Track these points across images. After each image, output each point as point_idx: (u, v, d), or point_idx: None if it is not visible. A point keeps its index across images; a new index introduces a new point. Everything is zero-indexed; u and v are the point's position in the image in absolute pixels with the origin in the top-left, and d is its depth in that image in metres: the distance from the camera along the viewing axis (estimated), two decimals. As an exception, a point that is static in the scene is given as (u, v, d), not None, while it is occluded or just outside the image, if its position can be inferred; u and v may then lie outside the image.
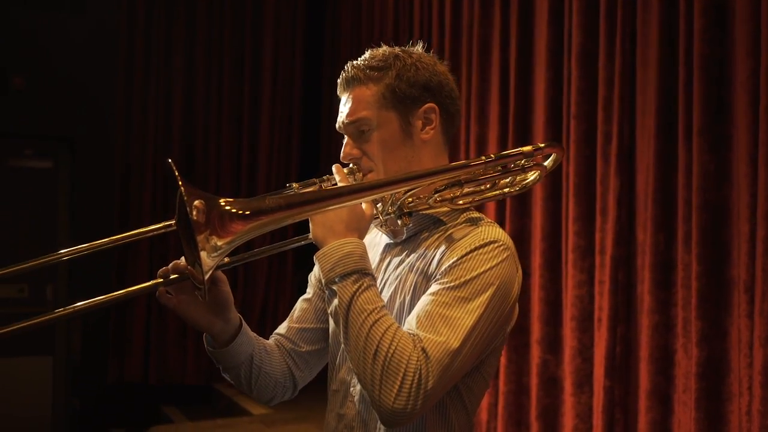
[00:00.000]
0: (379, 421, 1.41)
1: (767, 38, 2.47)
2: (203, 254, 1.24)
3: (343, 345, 1.37)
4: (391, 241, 1.57)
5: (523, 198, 3.57)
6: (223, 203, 1.28)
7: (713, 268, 2.66)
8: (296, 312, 1.70)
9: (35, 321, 1.34)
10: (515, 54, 3.65)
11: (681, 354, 2.78)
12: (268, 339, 1.68)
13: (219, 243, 1.26)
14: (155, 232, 1.45)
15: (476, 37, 3.91)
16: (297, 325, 1.67)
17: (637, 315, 3.00)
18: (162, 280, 1.42)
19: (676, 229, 2.83)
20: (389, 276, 1.51)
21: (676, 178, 2.84)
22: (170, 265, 1.42)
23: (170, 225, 1.41)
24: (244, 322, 1.57)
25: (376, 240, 1.62)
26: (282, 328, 1.69)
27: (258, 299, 5.45)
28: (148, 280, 1.44)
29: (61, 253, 1.45)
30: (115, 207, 5.32)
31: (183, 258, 1.41)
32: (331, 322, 1.58)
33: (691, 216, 2.72)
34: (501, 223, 3.64)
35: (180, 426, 4.66)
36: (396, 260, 1.52)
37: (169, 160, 1.28)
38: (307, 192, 1.39)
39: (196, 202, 1.25)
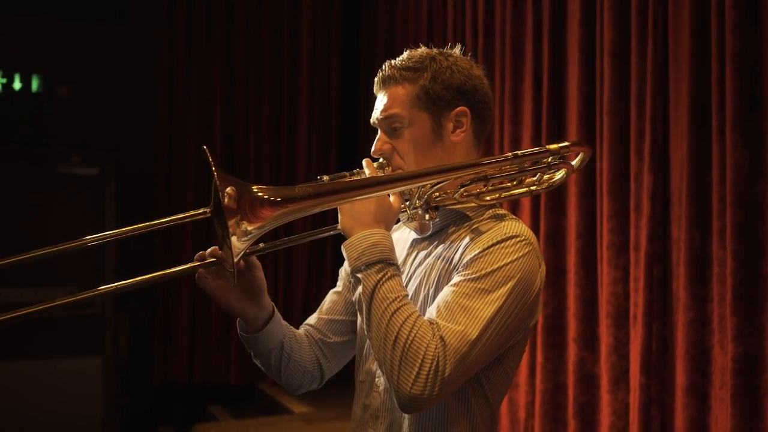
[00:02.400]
0: (397, 411, 1.46)
1: (799, 32, 2.45)
2: (233, 238, 1.30)
3: (366, 334, 1.41)
4: (418, 237, 1.61)
5: (558, 196, 3.57)
6: (255, 189, 1.34)
7: (748, 263, 2.64)
8: (326, 304, 1.76)
9: (78, 297, 1.45)
10: (548, 52, 3.66)
11: (717, 350, 2.77)
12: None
13: (249, 228, 1.32)
14: (192, 218, 1.51)
15: (509, 37, 3.93)
16: (326, 317, 1.73)
17: (672, 311, 2.99)
18: (199, 263, 1.48)
19: (711, 225, 2.82)
20: (415, 270, 1.55)
21: (710, 174, 2.82)
22: (208, 250, 1.49)
23: (206, 212, 1.46)
24: (276, 309, 1.63)
25: (404, 236, 1.67)
26: (312, 319, 1.75)
27: (299, 295, 5.56)
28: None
29: (104, 235, 1.54)
30: (160, 213, 5.44)
31: (215, 247, 1.48)
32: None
33: (726, 212, 2.70)
34: (536, 222, 3.66)
35: (224, 424, 4.75)
36: (422, 254, 1.56)
37: (204, 147, 1.34)
38: (336, 182, 1.43)
39: (228, 189, 1.31)
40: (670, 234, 3.02)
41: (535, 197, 3.67)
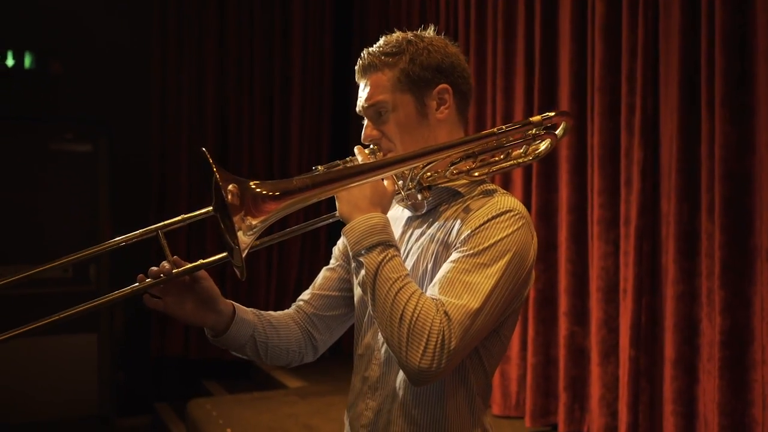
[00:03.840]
0: (399, 381, 1.52)
1: (787, 7, 2.46)
2: (240, 233, 1.34)
3: (370, 312, 1.45)
4: (412, 215, 1.65)
5: (549, 172, 3.60)
6: (253, 186, 1.38)
7: (736, 237, 2.67)
8: (319, 280, 1.80)
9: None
10: (539, 28, 3.66)
11: (705, 323, 2.81)
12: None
13: (254, 222, 1.36)
14: (197, 218, 1.55)
15: (501, 12, 3.93)
16: (320, 292, 1.77)
17: (661, 285, 3.02)
18: (148, 282, 1.50)
19: (700, 199, 2.85)
20: (412, 246, 1.59)
21: (700, 148, 2.85)
22: (149, 270, 1.51)
23: (209, 211, 1.50)
24: (237, 306, 1.66)
25: (398, 214, 1.70)
26: (305, 295, 1.79)
27: (292, 274, 5.59)
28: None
29: (109, 243, 1.54)
30: (153, 189, 5.45)
31: (163, 263, 1.51)
32: (357, 290, 1.68)
33: (714, 186, 2.73)
34: (527, 197, 3.68)
35: (220, 399, 4.79)
36: (417, 232, 1.60)
37: (204, 149, 1.38)
38: (332, 171, 1.46)
39: (230, 187, 1.34)
40: (659, 208, 3.05)
41: (526, 173, 3.69)
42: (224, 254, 1.52)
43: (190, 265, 1.54)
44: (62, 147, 5.59)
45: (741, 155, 2.68)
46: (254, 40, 5.63)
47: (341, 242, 1.79)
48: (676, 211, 2.92)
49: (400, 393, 1.52)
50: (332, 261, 1.80)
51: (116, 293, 1.50)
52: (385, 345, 1.56)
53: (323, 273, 1.81)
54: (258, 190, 1.38)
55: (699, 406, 2.86)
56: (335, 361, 4.46)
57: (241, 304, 1.69)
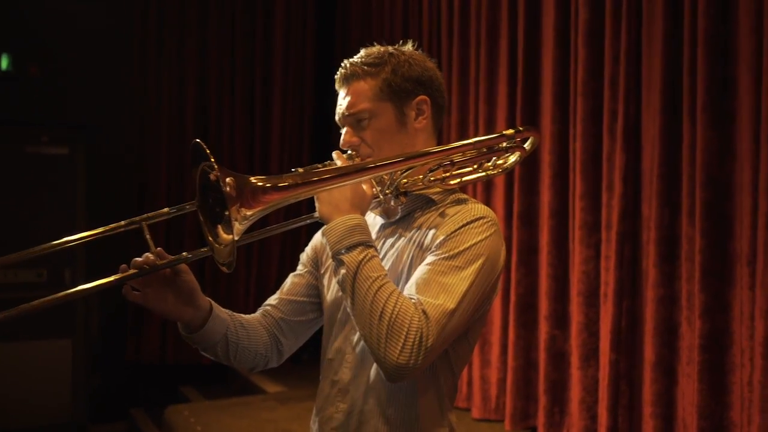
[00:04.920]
0: (372, 382, 1.57)
1: (769, 13, 2.49)
2: (236, 223, 1.39)
3: (348, 310, 1.49)
4: (385, 222, 1.70)
5: (531, 176, 3.62)
6: (253, 180, 1.44)
7: (716, 241, 2.70)
8: (287, 286, 1.83)
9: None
10: (523, 33, 3.68)
11: (685, 327, 2.83)
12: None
13: (248, 213, 1.41)
14: (178, 213, 1.57)
15: (484, 18, 3.94)
16: (287, 297, 1.80)
17: (642, 289, 3.04)
18: (131, 272, 1.51)
19: (681, 204, 2.88)
20: (387, 252, 1.64)
21: (681, 154, 2.88)
22: (133, 261, 1.52)
23: (185, 207, 1.54)
24: (214, 304, 1.68)
25: (370, 221, 1.74)
26: (272, 300, 1.82)
27: (272, 274, 5.56)
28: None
29: (94, 232, 1.54)
30: (132, 192, 5.40)
31: (147, 254, 1.52)
32: (328, 294, 1.72)
33: (695, 191, 2.76)
34: (509, 201, 3.70)
35: (197, 405, 4.75)
36: (392, 238, 1.66)
37: (198, 140, 1.42)
38: (320, 170, 1.52)
39: (228, 179, 1.39)
40: (641, 213, 3.07)
41: (508, 177, 3.70)
42: (309, 215, 1.58)
43: (173, 258, 1.55)
44: (39, 150, 5.53)
45: (722, 161, 2.71)
46: (235, 42, 5.61)
47: (309, 249, 1.84)
48: (657, 216, 2.94)
49: (375, 393, 1.57)
50: (300, 267, 1.84)
51: (100, 282, 1.50)
52: (357, 348, 1.60)
53: (291, 279, 1.84)
54: (255, 183, 1.43)
55: (678, 409, 2.88)
56: (313, 366, 4.42)
57: (220, 302, 1.70)
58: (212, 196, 1.44)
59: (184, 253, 1.56)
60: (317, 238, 1.80)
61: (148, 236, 1.53)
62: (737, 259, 2.66)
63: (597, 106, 3.26)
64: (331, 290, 1.71)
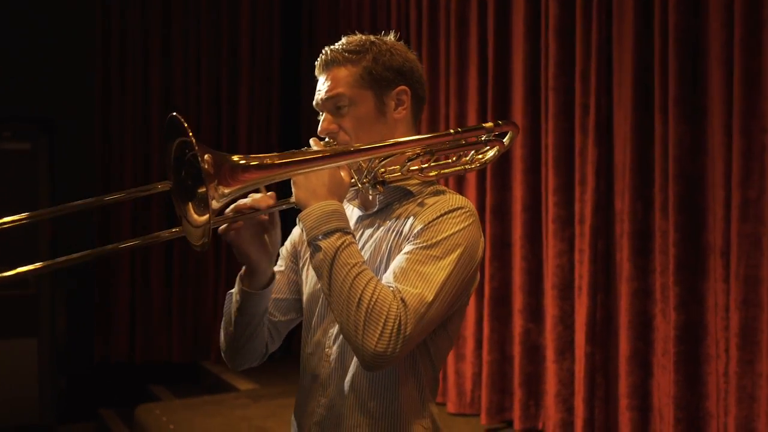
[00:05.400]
0: (352, 375, 1.55)
1: (740, 10, 2.53)
2: (213, 201, 1.38)
3: (325, 298, 1.48)
4: (363, 214, 1.68)
5: (503, 171, 3.63)
6: (234, 158, 1.43)
7: (690, 234, 2.74)
8: None
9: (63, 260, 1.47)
10: (493, 28, 3.69)
11: (659, 319, 2.87)
12: None
13: (225, 191, 1.40)
14: (150, 192, 1.57)
15: (453, 12, 3.94)
16: (272, 296, 1.76)
17: (616, 282, 3.08)
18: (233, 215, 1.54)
19: (654, 198, 2.91)
20: (365, 244, 1.63)
21: (653, 148, 2.91)
22: (253, 198, 1.56)
23: (156, 186, 1.55)
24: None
25: (348, 213, 1.72)
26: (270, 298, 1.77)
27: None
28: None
29: (112, 196, 1.59)
30: (96, 188, 5.31)
31: (266, 194, 1.56)
32: (306, 288, 1.70)
33: (668, 185, 2.80)
34: (482, 196, 3.71)
35: (168, 404, 4.70)
36: (370, 230, 1.64)
37: (175, 113, 1.40)
38: (300, 151, 1.51)
39: (206, 156, 1.37)
40: (614, 207, 3.10)
41: (481, 172, 3.71)
42: (285, 200, 1.56)
43: (281, 201, 1.58)
44: (0, 146, 5.41)
45: (694, 155, 2.75)
46: (201, 35, 5.53)
47: (288, 243, 1.80)
48: (630, 210, 2.97)
49: (355, 387, 1.55)
50: (279, 263, 1.80)
51: (221, 217, 1.52)
52: (337, 342, 1.59)
53: None
54: (236, 159, 1.42)
55: (654, 401, 2.92)
56: (285, 363, 4.41)
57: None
58: (187, 172, 1.42)
59: (288, 198, 1.57)
60: (296, 231, 1.77)
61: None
62: (711, 252, 2.70)
63: (568, 101, 3.28)
64: (309, 283, 1.69)
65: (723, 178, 2.63)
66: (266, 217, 1.59)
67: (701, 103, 2.74)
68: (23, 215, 1.47)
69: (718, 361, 2.64)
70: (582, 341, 3.11)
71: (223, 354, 1.77)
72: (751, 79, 2.52)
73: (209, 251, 5.34)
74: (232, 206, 1.54)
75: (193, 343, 5.44)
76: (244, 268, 1.64)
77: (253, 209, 1.55)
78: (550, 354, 3.32)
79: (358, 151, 1.52)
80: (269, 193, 1.56)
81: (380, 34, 1.67)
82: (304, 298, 1.71)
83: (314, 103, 1.65)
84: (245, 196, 1.53)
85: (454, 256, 1.47)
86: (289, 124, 5.78)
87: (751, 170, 2.53)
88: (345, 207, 1.70)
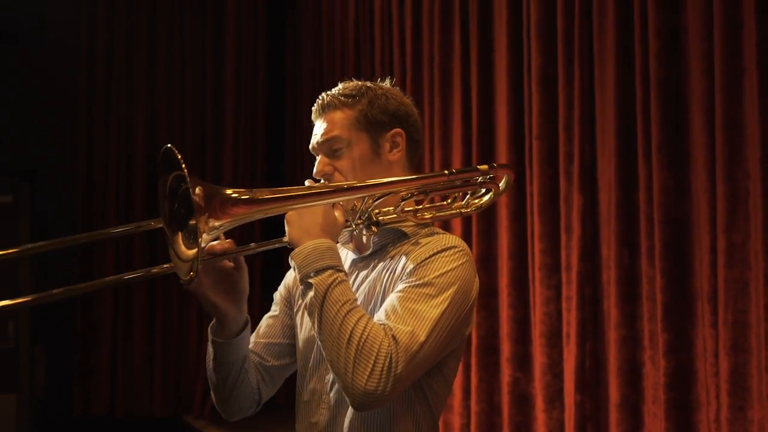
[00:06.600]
0: (349, 422, 1.52)
1: (720, 57, 2.57)
2: (204, 235, 1.37)
3: (317, 336, 1.46)
4: (357, 257, 1.68)
5: (489, 219, 3.63)
6: (225, 191, 1.42)
7: (677, 280, 2.73)
8: (262, 328, 1.78)
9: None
10: (476, 78, 3.73)
11: (649, 366, 2.85)
12: None
13: (216, 224, 1.39)
14: (144, 229, 1.59)
15: (437, 64, 3.99)
16: (264, 340, 1.75)
17: (604, 329, 3.06)
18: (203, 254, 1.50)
19: (640, 244, 2.91)
20: (358, 286, 1.62)
21: (638, 194, 2.92)
22: (210, 245, 1.51)
23: (148, 224, 1.57)
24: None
25: (342, 257, 1.70)
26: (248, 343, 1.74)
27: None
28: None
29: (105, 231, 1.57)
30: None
31: (222, 240, 1.53)
32: (301, 332, 1.67)
33: (654, 230, 2.80)
34: (468, 245, 3.65)
35: (149, 459, 4.60)
36: (364, 273, 1.64)
37: (170, 145, 1.40)
38: (292, 187, 1.51)
39: (197, 189, 1.37)
40: (600, 253, 3.10)
41: (466, 220, 3.71)
42: (278, 239, 1.55)
43: (242, 247, 1.56)
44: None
45: (679, 200, 2.76)
46: (186, 87, 5.57)
47: (282, 287, 1.79)
48: (616, 256, 2.97)
49: (353, 430, 1.52)
50: (273, 308, 1.79)
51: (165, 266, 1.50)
52: (334, 388, 1.56)
53: (265, 320, 1.79)
54: (229, 193, 1.42)
55: (645, 449, 2.88)
56: (270, 415, 4.33)
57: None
58: (180, 204, 1.42)
59: (252, 244, 1.56)
60: (290, 275, 1.76)
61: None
62: (698, 297, 2.69)
63: (552, 148, 3.30)
64: (304, 329, 1.66)
65: (708, 223, 2.64)
66: (230, 264, 1.57)
67: (684, 149, 2.76)
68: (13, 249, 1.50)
69: (708, 408, 2.62)
70: (571, 389, 3.08)
71: (215, 405, 1.73)
72: (733, 124, 2.55)
73: (192, 303, 5.28)
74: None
75: (175, 397, 5.34)
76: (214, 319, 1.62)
77: (211, 255, 1.52)
78: (539, 403, 3.27)
79: (351, 188, 1.52)
80: (228, 240, 1.54)
81: (378, 79, 1.71)
82: (299, 343, 1.68)
83: (310, 146, 1.67)
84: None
85: (447, 294, 1.46)
86: (274, 168, 5.78)
87: (736, 215, 2.54)
88: (339, 249, 1.70)
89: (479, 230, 3.65)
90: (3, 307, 1.45)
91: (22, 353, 5.24)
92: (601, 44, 3.09)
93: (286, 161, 5.66)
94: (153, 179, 5.45)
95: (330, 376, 1.56)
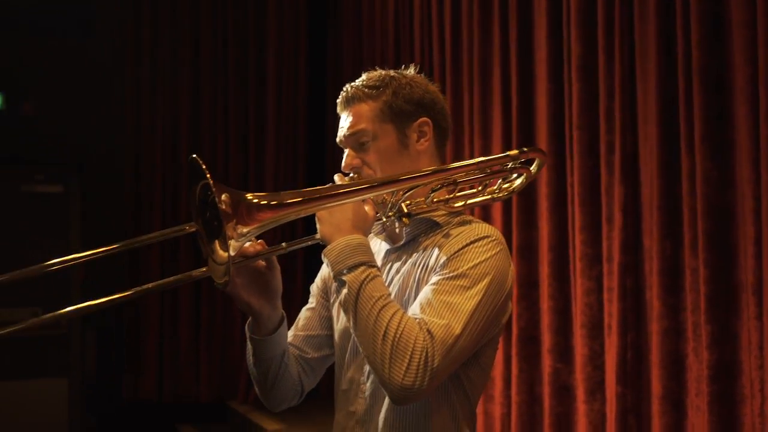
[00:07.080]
0: (385, 411, 1.54)
1: (764, 45, 2.51)
2: (231, 241, 1.37)
3: (353, 334, 1.47)
4: (391, 247, 1.68)
5: (529, 210, 3.61)
6: (247, 195, 1.42)
7: (720, 271, 2.69)
8: (301, 321, 1.81)
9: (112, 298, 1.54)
10: (516, 68, 3.70)
11: (692, 358, 2.82)
12: None
13: (244, 230, 1.40)
14: (177, 233, 1.60)
15: (477, 54, 3.97)
16: (303, 333, 1.78)
17: (646, 321, 3.03)
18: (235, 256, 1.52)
19: (683, 235, 2.87)
20: (393, 277, 1.62)
21: (680, 184, 2.88)
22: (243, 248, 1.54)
23: (184, 228, 1.57)
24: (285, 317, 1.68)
25: (375, 248, 1.72)
26: (288, 336, 1.77)
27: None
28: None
29: (143, 238, 1.63)
30: (127, 230, 5.38)
31: (253, 242, 1.54)
32: (338, 324, 1.69)
33: (697, 221, 2.76)
34: (508, 235, 3.69)
35: (196, 444, 4.70)
36: (398, 264, 1.64)
37: (195, 156, 1.41)
38: (320, 188, 1.51)
39: (223, 196, 1.38)
40: (642, 244, 3.07)
41: (506, 211, 3.70)
42: (311, 236, 1.56)
43: (273, 247, 1.57)
44: (33, 189, 5.50)
45: (722, 190, 2.71)
46: (228, 82, 5.64)
47: (318, 280, 1.80)
48: (658, 248, 2.94)
49: (389, 421, 1.54)
50: (311, 300, 1.81)
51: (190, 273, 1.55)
52: (371, 377, 1.57)
53: (304, 313, 1.81)
54: (251, 199, 1.42)
55: (687, 442, 2.85)
56: (313, 403, 4.38)
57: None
58: (211, 213, 1.43)
59: (283, 244, 1.58)
60: (325, 268, 1.76)
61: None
62: (743, 289, 2.65)
63: (593, 139, 3.26)
64: (340, 319, 1.68)
65: (752, 213, 2.59)
66: (263, 264, 1.59)
67: (728, 138, 2.71)
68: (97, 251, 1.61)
69: (753, 401, 2.58)
70: (613, 381, 3.06)
71: (259, 396, 1.76)
72: (777, 113, 2.50)
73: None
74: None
75: (220, 383, 5.44)
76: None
77: (243, 257, 1.53)
78: (580, 394, 3.26)
79: (378, 185, 1.51)
80: (259, 241, 1.55)
81: (402, 67, 1.68)
82: (336, 334, 1.70)
83: (337, 139, 1.67)
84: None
85: (481, 285, 1.45)
86: (316, 161, 5.83)
87: (781, 206, 2.49)
88: (372, 241, 1.71)
89: (519, 220, 3.64)
90: (90, 306, 1.51)
91: (74, 339, 5.37)
92: (642, 32, 3.04)
93: (326, 158, 5.69)
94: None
95: (368, 366, 1.57)
